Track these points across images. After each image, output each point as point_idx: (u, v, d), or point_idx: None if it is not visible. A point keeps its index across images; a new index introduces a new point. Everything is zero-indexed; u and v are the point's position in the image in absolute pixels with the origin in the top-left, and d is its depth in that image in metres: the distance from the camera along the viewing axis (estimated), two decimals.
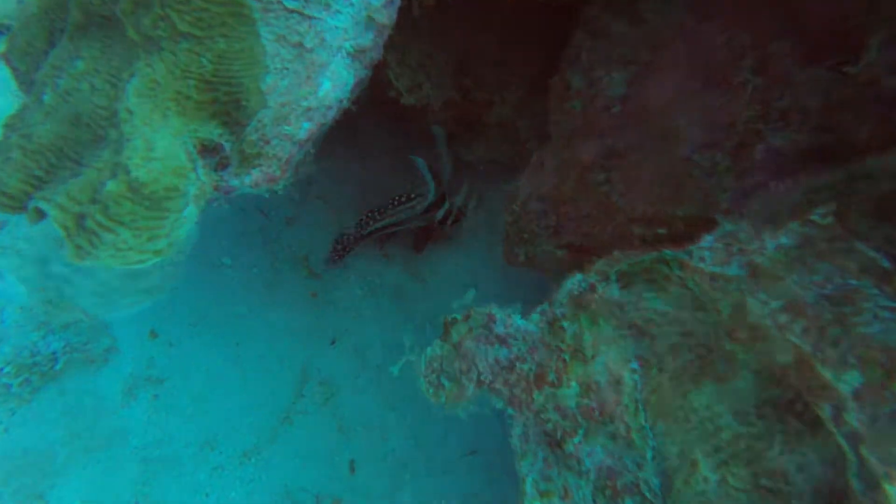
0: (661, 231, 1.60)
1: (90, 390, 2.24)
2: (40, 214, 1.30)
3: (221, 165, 1.24)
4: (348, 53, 1.15)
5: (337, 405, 2.39)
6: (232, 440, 2.32)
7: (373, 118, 3.08)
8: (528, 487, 1.11)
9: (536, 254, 1.82)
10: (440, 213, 2.49)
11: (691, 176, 1.47)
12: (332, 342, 2.50)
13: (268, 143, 1.14)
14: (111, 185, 1.20)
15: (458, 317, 1.18)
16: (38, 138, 1.37)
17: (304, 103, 1.12)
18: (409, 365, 1.29)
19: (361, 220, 2.49)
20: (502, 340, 1.10)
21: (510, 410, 1.14)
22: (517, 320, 1.12)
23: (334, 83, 1.13)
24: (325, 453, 2.32)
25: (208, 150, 1.26)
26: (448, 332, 1.17)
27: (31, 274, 2.30)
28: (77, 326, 2.12)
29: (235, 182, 1.21)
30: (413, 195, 2.46)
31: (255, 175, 1.16)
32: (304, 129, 1.13)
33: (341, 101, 1.15)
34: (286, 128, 1.13)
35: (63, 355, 2.06)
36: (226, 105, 1.24)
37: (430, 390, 1.15)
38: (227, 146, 1.25)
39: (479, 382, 1.09)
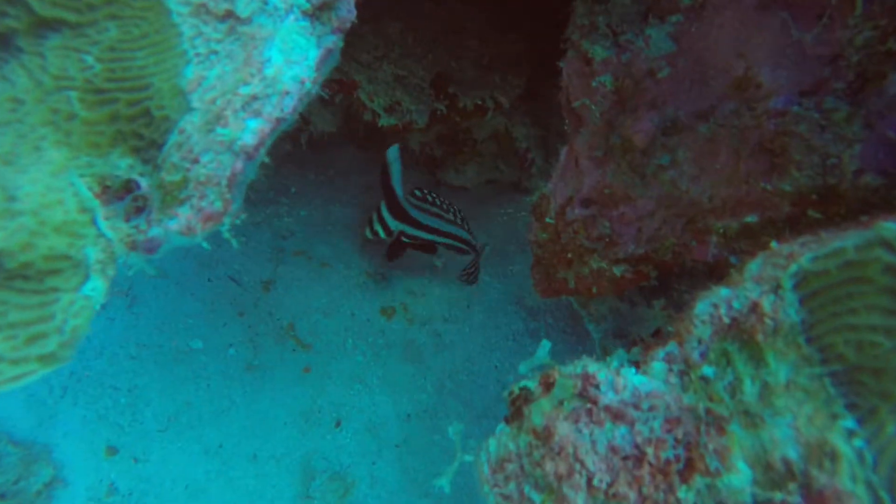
0: (751, 220, 1.20)
1: None
2: None
3: (136, 211, 0.82)
4: (304, 13, 0.76)
5: (356, 502, 1.91)
6: None
7: (347, 147, 2.70)
8: None
9: (586, 275, 1.41)
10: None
11: (793, 135, 1.08)
12: (337, 424, 2.03)
13: (196, 161, 0.72)
14: None
15: (532, 386, 0.75)
16: None
17: (245, 90, 0.72)
18: (462, 468, 0.85)
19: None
20: (617, 415, 0.67)
21: None
22: (633, 377, 0.69)
23: (288, 56, 0.73)
24: None
25: (114, 191, 0.83)
26: (521, 415, 0.73)
27: None
28: (2, 462, 1.63)
29: (158, 231, 0.78)
30: (465, 218, 2.16)
31: (184, 215, 0.74)
32: (251, 129, 0.72)
33: (303, 83, 0.75)
34: (222, 132, 0.72)
35: None
36: (131, 120, 0.83)
37: None
38: (144, 182, 0.83)
39: (592, 489, 0.66)
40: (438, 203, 2.15)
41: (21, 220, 0.74)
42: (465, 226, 2.19)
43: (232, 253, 2.32)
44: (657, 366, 0.71)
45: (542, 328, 2.26)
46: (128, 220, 0.81)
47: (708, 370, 0.68)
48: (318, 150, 2.62)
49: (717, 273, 1.27)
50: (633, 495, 0.68)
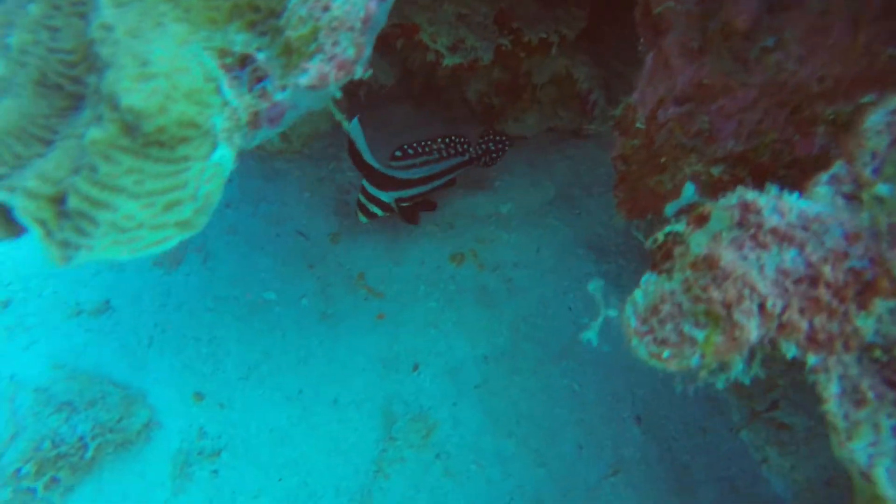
0: (869, 100, 1.13)
1: (135, 481, 1.79)
2: (3, 215, 0.88)
3: (257, 80, 0.81)
4: None
5: (438, 443, 1.90)
6: None
7: (403, 104, 2.69)
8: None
9: (680, 181, 1.35)
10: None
11: None
12: (415, 368, 2.03)
13: (327, 7, 0.71)
14: (94, 133, 0.77)
15: (681, 228, 0.71)
16: None
17: None
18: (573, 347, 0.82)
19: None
20: (785, 237, 0.63)
21: (812, 358, 0.66)
22: (797, 201, 0.65)
23: None
24: None
25: (233, 64, 0.83)
26: (670, 257, 0.70)
27: None
28: (105, 401, 1.69)
29: (284, 95, 0.78)
30: (461, 140, 2.14)
31: (315, 66, 0.73)
32: None
33: None
34: None
35: (93, 439, 1.62)
36: None
37: (665, 352, 0.68)
38: (261, 55, 0.82)
39: (766, 314, 0.62)
40: (422, 149, 2.11)
41: (156, 83, 0.75)
42: (456, 147, 2.14)
43: (299, 209, 2.34)
44: (821, 189, 0.66)
45: (613, 270, 2.21)
46: (251, 89, 0.81)
47: (884, 188, 0.63)
48: (375, 108, 2.62)
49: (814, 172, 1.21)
50: (805, 324, 0.64)
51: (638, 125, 1.36)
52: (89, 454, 1.64)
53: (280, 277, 2.20)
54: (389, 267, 2.22)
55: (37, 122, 0.94)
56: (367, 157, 1.99)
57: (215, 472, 1.88)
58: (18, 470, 1.58)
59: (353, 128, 1.91)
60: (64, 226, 0.80)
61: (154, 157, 0.77)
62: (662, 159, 1.34)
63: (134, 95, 0.73)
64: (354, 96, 2.48)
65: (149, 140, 0.76)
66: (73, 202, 0.78)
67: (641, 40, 1.47)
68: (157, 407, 1.86)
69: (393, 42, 2.15)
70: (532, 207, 2.35)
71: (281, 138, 2.24)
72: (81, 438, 1.64)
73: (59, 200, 0.81)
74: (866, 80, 1.11)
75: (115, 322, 2.04)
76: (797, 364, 1.62)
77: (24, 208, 0.82)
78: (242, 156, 0.83)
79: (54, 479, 1.64)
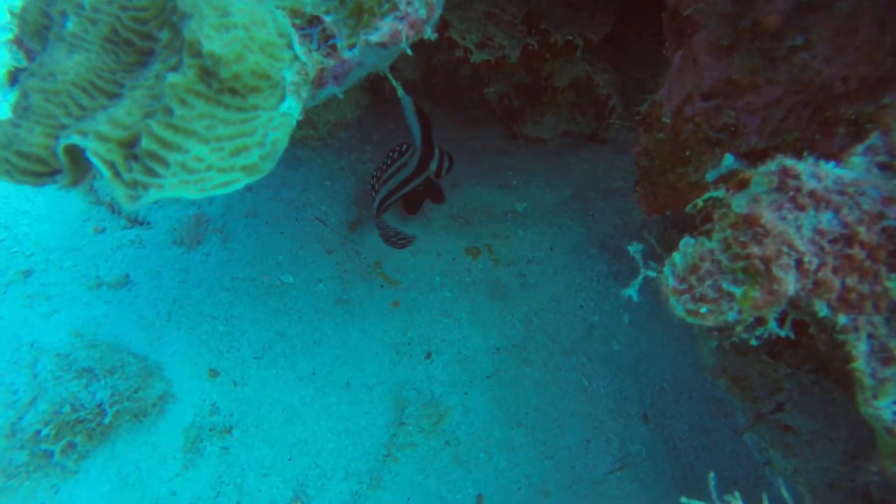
0: (889, 101, 1.19)
1: (147, 452, 1.81)
2: (74, 159, 0.92)
3: (325, 39, 0.86)
4: None
5: (448, 430, 1.93)
6: (325, 493, 1.85)
7: (424, 101, 2.75)
8: None
9: (701, 178, 1.40)
10: (433, 165, 2.18)
11: None
12: (428, 356, 2.06)
13: None
14: (174, 77, 0.82)
15: (721, 193, 0.76)
16: (64, 75, 1.01)
17: None
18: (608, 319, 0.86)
19: (372, 188, 2.12)
20: (822, 199, 0.68)
21: (842, 317, 0.70)
22: (833, 168, 0.70)
23: None
24: (443, 492, 1.84)
25: (302, 25, 0.88)
26: (710, 219, 0.74)
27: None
28: (124, 370, 1.71)
29: (352, 53, 0.82)
30: (404, 147, 2.14)
31: (388, 24, 0.77)
32: None
33: None
34: None
35: (112, 406, 1.64)
36: None
37: (703, 307, 0.72)
38: (329, 18, 0.87)
39: (803, 270, 0.66)
40: (388, 168, 2.13)
41: (235, 33, 0.79)
42: (409, 155, 2.14)
43: (319, 196, 2.39)
44: (857, 159, 0.71)
45: (625, 270, 2.26)
46: (319, 46, 0.86)
47: None
48: (397, 103, 2.67)
49: None
50: (838, 283, 0.69)
51: (664, 119, 1.42)
52: (107, 420, 1.66)
53: (298, 261, 2.24)
54: (406, 257, 2.26)
55: (103, 76, 0.98)
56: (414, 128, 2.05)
57: (226, 448, 1.90)
58: (38, 432, 1.60)
59: (405, 99, 1.97)
60: (133, 167, 0.85)
61: (225, 103, 0.82)
62: (687, 152, 1.39)
63: (215, 42, 0.78)
64: (379, 91, 2.53)
65: (223, 86, 0.80)
66: (145, 143, 0.82)
67: (667, 44, 1.53)
68: (173, 380, 1.88)
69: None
70: (547, 207, 2.39)
71: (307, 124, 2.29)
72: (100, 405, 1.67)
73: (129, 144, 0.86)
74: (891, 81, 1.16)
75: (134, 295, 2.07)
76: (803, 368, 1.64)
77: (94, 150, 0.86)
78: None
79: (71, 445, 1.66)
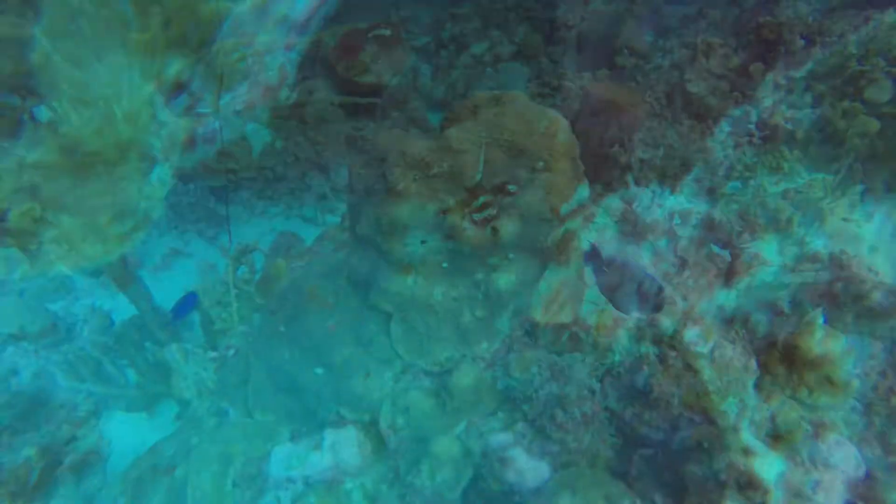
0: None
1: None
2: None
3: (192, 105, 0.88)
4: None
5: None
6: None
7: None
8: None
9: None
10: None
11: None
12: None
13: (252, 40, 0.79)
14: (35, 156, 0.82)
15: (574, 225, 0.81)
16: None
17: None
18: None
19: None
20: (656, 230, 0.74)
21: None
22: (667, 199, 0.76)
23: None
24: None
25: (168, 89, 0.90)
26: (567, 250, 0.80)
27: None
28: None
29: (216, 118, 0.84)
30: None
31: (245, 92, 0.80)
32: (301, 4, 0.78)
33: None
34: (274, 10, 0.78)
35: None
36: (180, 24, 0.89)
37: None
38: (195, 83, 0.89)
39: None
40: None
41: (94, 110, 0.80)
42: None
43: None
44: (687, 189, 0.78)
45: None
46: (186, 113, 0.88)
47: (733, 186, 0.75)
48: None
49: None
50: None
51: None
52: None
53: None
54: None
55: None
56: None
57: None
58: None
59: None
60: (5, 242, 0.84)
61: (95, 174, 0.83)
62: None
63: (69, 122, 0.79)
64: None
65: (88, 161, 0.82)
66: (13, 219, 0.82)
67: None
68: None
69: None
70: None
71: None
72: None
73: None
74: None
75: None
76: None
77: None
78: None
79: None
